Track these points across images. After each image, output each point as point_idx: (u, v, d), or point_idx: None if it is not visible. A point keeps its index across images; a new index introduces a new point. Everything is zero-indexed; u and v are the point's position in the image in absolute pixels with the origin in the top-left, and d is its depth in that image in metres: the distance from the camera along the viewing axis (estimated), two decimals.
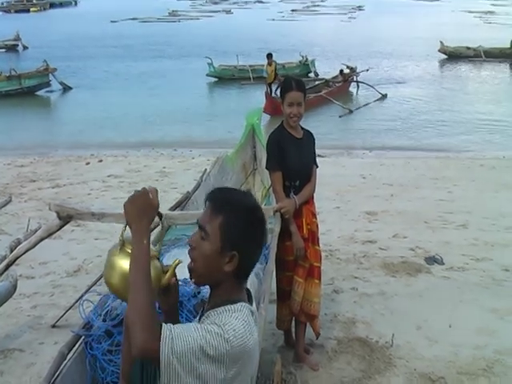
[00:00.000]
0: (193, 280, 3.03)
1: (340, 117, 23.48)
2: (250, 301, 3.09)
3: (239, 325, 2.82)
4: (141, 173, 14.84)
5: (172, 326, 2.75)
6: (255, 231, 2.95)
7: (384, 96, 26.72)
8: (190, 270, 3.00)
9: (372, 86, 27.31)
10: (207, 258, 2.91)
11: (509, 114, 24.46)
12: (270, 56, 25.87)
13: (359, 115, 24.01)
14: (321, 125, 21.42)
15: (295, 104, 5.80)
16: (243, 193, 3.12)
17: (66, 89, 30.41)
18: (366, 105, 25.43)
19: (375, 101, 26.18)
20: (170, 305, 3.25)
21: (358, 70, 28.38)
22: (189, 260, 2.96)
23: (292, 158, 5.82)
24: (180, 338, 2.68)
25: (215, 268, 2.91)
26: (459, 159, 17.02)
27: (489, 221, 10.78)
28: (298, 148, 5.89)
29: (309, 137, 6.12)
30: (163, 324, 2.72)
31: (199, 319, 3.07)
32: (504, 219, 10.85)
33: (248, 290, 3.13)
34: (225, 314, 2.87)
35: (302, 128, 6.10)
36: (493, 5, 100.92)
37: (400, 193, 12.71)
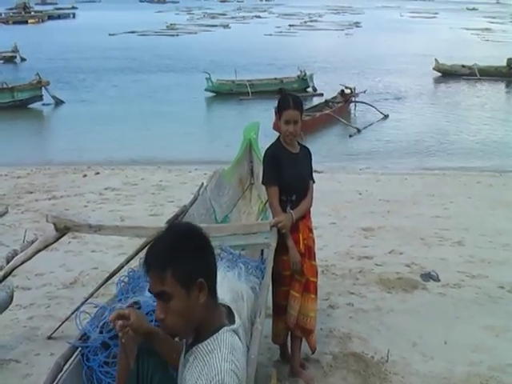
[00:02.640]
0: (182, 338, 3.13)
1: (350, 136, 23.50)
2: (230, 315, 3.12)
3: (222, 358, 2.89)
4: (138, 186, 14.83)
5: None
6: (196, 245, 2.99)
7: (386, 116, 26.75)
8: (173, 336, 3.14)
9: (374, 107, 27.32)
10: (182, 311, 2.94)
11: (505, 133, 24.58)
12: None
13: (364, 134, 24.05)
14: (329, 144, 21.71)
15: (292, 122, 5.85)
16: (164, 233, 3.07)
17: (58, 102, 30.23)
18: (371, 125, 25.46)
19: (378, 121, 26.21)
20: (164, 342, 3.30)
21: (356, 91, 28.36)
22: None
23: (288, 173, 5.85)
24: None
25: (193, 312, 2.95)
26: (456, 176, 17.03)
27: (485, 238, 10.80)
28: (294, 163, 5.92)
29: (305, 152, 6.16)
30: None
31: (184, 354, 3.11)
32: (500, 236, 10.86)
33: (229, 308, 3.16)
34: (210, 360, 2.91)
35: (299, 143, 6.13)
36: (490, 22, 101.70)
37: (396, 209, 12.71)
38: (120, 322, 3.29)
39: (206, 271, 2.97)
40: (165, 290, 2.90)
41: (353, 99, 28.25)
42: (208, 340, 2.97)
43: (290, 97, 6.01)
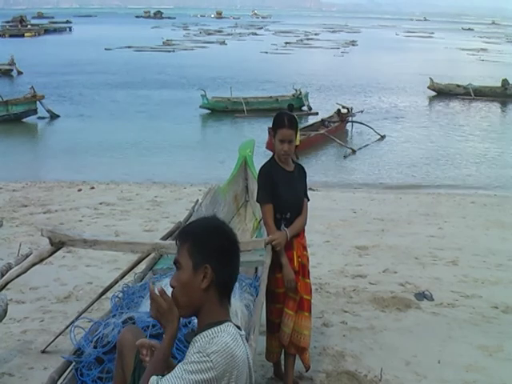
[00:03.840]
0: (181, 315, 3.20)
1: (345, 157, 23.47)
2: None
3: (224, 339, 2.99)
4: (133, 201, 14.84)
5: (159, 378, 2.99)
6: (221, 243, 3.15)
7: (383, 137, 26.74)
8: (176, 307, 3.16)
9: (371, 127, 27.30)
10: (185, 285, 3.11)
11: (500, 153, 24.69)
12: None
13: (360, 155, 24.09)
14: (324, 163, 21.79)
15: (286, 141, 5.87)
16: (206, 218, 3.42)
17: (54, 116, 30.24)
18: (367, 145, 25.48)
19: (374, 142, 26.25)
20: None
21: (353, 111, 28.37)
22: None
23: (283, 191, 5.87)
24: None
25: (194, 291, 3.11)
26: (451, 196, 17.10)
27: (479, 258, 10.83)
28: (289, 181, 5.94)
29: (300, 170, 6.18)
30: (151, 378, 3.00)
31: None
32: (494, 256, 10.90)
33: (238, 327, 3.20)
34: (209, 337, 3.02)
35: (294, 161, 6.16)
36: (485, 42, 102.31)
37: (391, 228, 12.74)
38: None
39: (218, 264, 3.12)
40: (178, 260, 3.18)
41: (349, 119, 28.25)
42: (211, 329, 3.08)
43: (284, 116, 6.03)
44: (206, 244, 3.11)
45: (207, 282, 3.08)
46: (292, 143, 5.93)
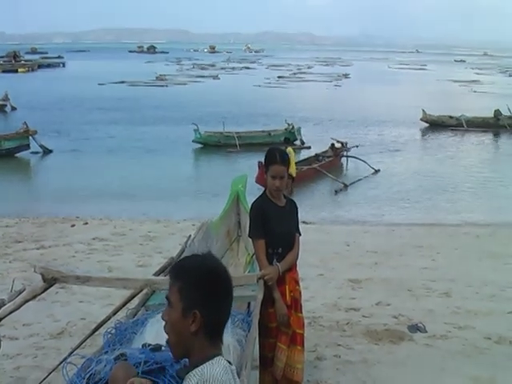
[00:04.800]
0: (173, 355, 3.22)
1: (336, 192, 23.40)
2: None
3: (215, 370, 2.99)
4: (126, 236, 14.85)
5: None
6: (213, 288, 3.10)
7: (377, 171, 26.69)
8: (167, 344, 3.21)
9: (365, 161, 27.23)
10: (175, 324, 3.10)
11: (493, 184, 24.78)
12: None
13: (352, 189, 24.10)
14: (314, 199, 21.86)
15: (278, 177, 5.94)
16: (201, 256, 3.26)
17: (46, 151, 30.24)
18: (360, 180, 25.50)
19: (368, 176, 26.26)
20: None
21: (348, 146, 28.37)
22: None
23: (275, 226, 5.93)
24: None
25: (183, 332, 3.08)
26: (443, 227, 17.14)
27: (472, 289, 10.86)
28: (280, 216, 6.00)
29: (291, 205, 6.24)
30: None
31: None
32: (487, 287, 10.93)
33: (230, 363, 3.21)
34: (200, 372, 3.00)
35: (285, 196, 6.21)
36: (477, 74, 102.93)
37: (384, 260, 12.76)
38: None
39: (208, 310, 3.07)
40: (169, 297, 3.14)
41: (344, 153, 28.29)
42: (201, 366, 3.05)
43: (276, 152, 6.09)
44: (198, 289, 3.07)
45: (196, 326, 3.06)
46: (284, 179, 5.99)
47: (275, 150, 6.19)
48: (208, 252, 3.40)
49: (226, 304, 3.17)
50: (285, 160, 6.03)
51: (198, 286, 3.07)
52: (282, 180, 5.98)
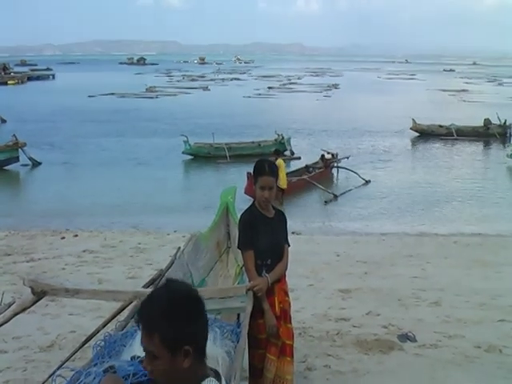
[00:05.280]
0: None
1: (325, 202, 23.49)
2: (217, 378, 3.17)
3: None
4: (116, 248, 14.84)
5: None
6: (191, 316, 3.03)
7: (367, 182, 26.76)
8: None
9: (355, 172, 27.33)
10: (166, 372, 3.01)
11: (483, 192, 24.89)
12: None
13: (343, 200, 24.14)
14: (304, 210, 21.84)
15: (267, 188, 5.96)
16: (168, 293, 3.08)
17: (35, 164, 30.27)
18: (350, 190, 25.51)
19: (358, 187, 26.31)
20: None
21: (338, 157, 28.46)
22: None
23: (263, 237, 5.94)
24: None
25: (177, 373, 3.01)
26: (433, 236, 17.22)
27: (462, 298, 10.86)
28: (269, 227, 6.02)
29: (280, 216, 6.26)
30: None
31: None
32: (477, 296, 10.93)
33: (216, 372, 3.20)
34: None
35: (274, 207, 6.22)
36: (467, 83, 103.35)
37: (374, 270, 12.76)
38: None
39: (194, 338, 3.04)
40: (149, 349, 3.00)
41: (334, 164, 28.34)
42: None
43: (265, 163, 6.12)
44: (178, 327, 2.97)
45: (189, 360, 3.00)
46: (272, 190, 6.02)
47: (264, 161, 6.22)
48: (165, 282, 3.22)
49: (205, 319, 3.14)
50: (273, 171, 6.06)
51: (176, 325, 2.97)
52: (271, 191, 6.01)
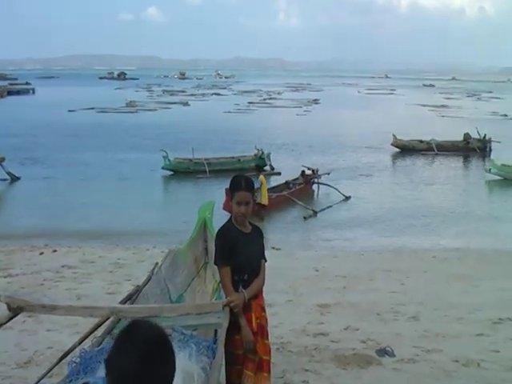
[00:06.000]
0: None
1: (305, 218, 23.47)
2: None
3: None
4: (95, 264, 14.79)
5: None
6: (164, 365, 2.98)
7: (348, 198, 26.73)
8: None
9: (336, 188, 27.32)
10: None
11: (463, 207, 25.06)
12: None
13: (323, 216, 24.16)
14: (284, 226, 21.88)
15: (243, 203, 5.98)
16: (125, 349, 2.97)
17: (14, 179, 30.06)
18: (330, 207, 25.53)
19: (339, 203, 26.33)
20: None
21: (319, 173, 28.49)
22: None
23: (240, 253, 5.95)
24: None
25: None
26: (412, 251, 17.29)
27: (440, 312, 10.92)
28: (246, 243, 6.03)
29: (257, 232, 6.27)
30: None
31: None
32: (455, 310, 11.00)
33: None
34: None
35: (250, 223, 6.23)
36: (446, 98, 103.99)
37: (353, 285, 12.80)
38: None
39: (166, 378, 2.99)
40: None
41: (314, 180, 28.40)
42: None
43: (242, 178, 6.15)
44: (148, 377, 2.91)
45: None
46: (249, 205, 6.03)
47: (240, 176, 6.25)
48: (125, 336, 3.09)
49: (174, 359, 3.07)
50: (250, 186, 6.08)
51: (145, 375, 2.91)
52: (248, 206, 6.02)
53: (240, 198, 6.00)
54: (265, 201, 22.22)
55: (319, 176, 28.41)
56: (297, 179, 27.95)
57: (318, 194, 28.24)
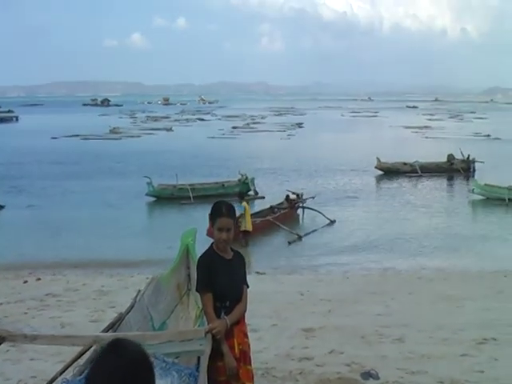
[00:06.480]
0: None
1: (289, 243, 23.47)
2: None
3: None
4: (79, 291, 14.74)
5: None
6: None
7: (332, 222, 26.73)
8: None
9: (320, 212, 27.35)
10: None
11: (448, 227, 25.16)
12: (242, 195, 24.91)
13: (307, 240, 24.20)
14: (269, 250, 21.89)
15: (225, 230, 5.99)
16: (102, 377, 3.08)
17: None
18: (315, 231, 25.58)
19: (323, 226, 26.37)
20: None
21: (304, 197, 28.58)
22: None
23: (222, 280, 5.95)
24: None
25: None
26: (397, 273, 17.32)
27: (425, 333, 10.93)
28: (227, 269, 6.03)
29: (239, 257, 6.28)
30: None
31: None
32: (440, 331, 11.00)
33: None
34: None
35: (232, 249, 6.24)
36: (429, 119, 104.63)
37: (338, 308, 12.79)
38: None
39: None
40: None
41: (299, 205, 28.45)
42: None
43: (223, 205, 6.17)
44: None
45: None
46: (230, 231, 6.04)
47: (222, 202, 6.26)
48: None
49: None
50: (231, 213, 6.10)
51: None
52: (229, 232, 6.03)
53: (221, 225, 6.01)
54: (249, 227, 22.21)
55: (304, 200, 28.47)
56: (281, 204, 27.97)
57: (302, 218, 28.27)
